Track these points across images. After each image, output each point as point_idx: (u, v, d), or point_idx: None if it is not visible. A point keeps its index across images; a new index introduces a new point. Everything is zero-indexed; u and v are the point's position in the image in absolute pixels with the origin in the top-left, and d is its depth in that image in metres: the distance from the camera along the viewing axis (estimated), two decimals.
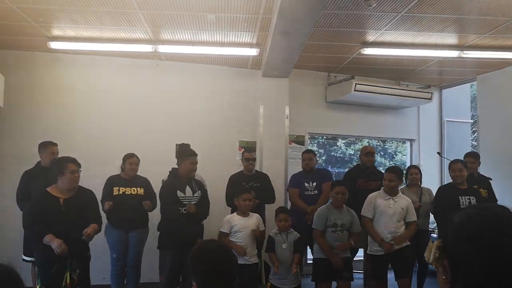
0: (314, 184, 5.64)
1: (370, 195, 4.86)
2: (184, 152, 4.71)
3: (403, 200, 4.77)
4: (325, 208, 4.67)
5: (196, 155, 4.68)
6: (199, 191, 4.64)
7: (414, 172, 5.67)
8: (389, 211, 4.67)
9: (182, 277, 4.55)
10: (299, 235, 4.57)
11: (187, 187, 4.55)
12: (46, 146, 4.95)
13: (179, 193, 4.50)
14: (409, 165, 6.86)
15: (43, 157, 4.94)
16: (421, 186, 5.69)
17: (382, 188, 4.86)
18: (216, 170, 6.09)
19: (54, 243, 3.65)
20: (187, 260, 4.12)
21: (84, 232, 3.79)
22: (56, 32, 5.48)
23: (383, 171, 5.55)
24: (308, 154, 5.86)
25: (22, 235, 4.85)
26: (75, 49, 5.93)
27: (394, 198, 4.72)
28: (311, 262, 5.42)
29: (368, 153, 5.91)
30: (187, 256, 4.06)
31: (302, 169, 5.89)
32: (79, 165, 3.93)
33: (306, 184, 5.67)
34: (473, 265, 1.03)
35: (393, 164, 12.99)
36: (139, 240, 5.03)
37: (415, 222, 4.79)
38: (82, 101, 6.26)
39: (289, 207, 5.79)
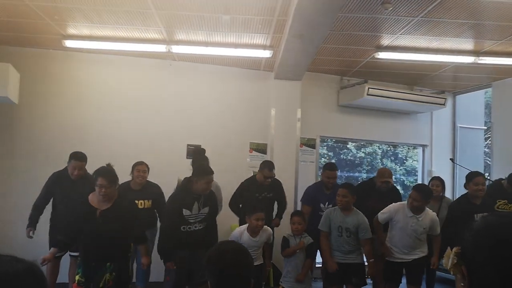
0: (330, 206, 5.26)
1: (394, 205, 4.67)
2: (202, 170, 4.32)
3: (427, 219, 4.53)
4: (331, 210, 4.66)
5: (212, 173, 4.32)
6: (206, 208, 4.30)
7: (436, 184, 5.48)
8: (408, 229, 4.51)
9: (189, 278, 4.52)
10: (312, 240, 4.52)
11: (195, 203, 4.24)
12: (70, 159, 4.77)
13: (185, 211, 4.19)
14: (421, 170, 6.80)
15: (68, 168, 4.81)
16: (443, 197, 5.51)
17: (406, 201, 4.63)
18: (226, 172, 6.05)
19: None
20: (195, 261, 4.15)
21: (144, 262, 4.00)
22: (71, 30, 5.52)
23: (401, 190, 5.32)
24: (332, 172, 5.40)
25: (40, 232, 4.88)
26: (89, 48, 5.96)
27: (417, 216, 4.50)
28: (320, 265, 5.40)
29: (385, 181, 5.29)
30: (196, 257, 4.09)
31: (321, 181, 5.59)
32: (110, 181, 3.75)
33: (321, 205, 5.40)
34: (491, 273, 1.01)
35: (403, 170, 12.92)
36: (148, 239, 5.02)
37: (439, 235, 4.65)
38: (95, 100, 6.29)
39: None
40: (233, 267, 1.80)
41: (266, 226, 4.46)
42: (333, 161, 11.39)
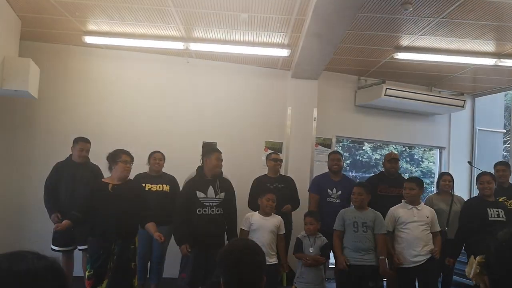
0: (339, 193, 5.42)
1: (391, 208, 4.74)
2: (210, 149, 4.66)
3: (426, 210, 4.70)
4: (344, 210, 4.68)
5: (220, 151, 4.59)
6: (223, 193, 4.44)
7: (447, 179, 5.53)
8: (415, 220, 4.58)
9: (204, 276, 4.54)
10: (326, 241, 4.51)
11: (210, 187, 4.37)
12: (77, 141, 5.00)
13: (199, 194, 4.31)
14: (438, 173, 6.73)
15: (73, 151, 5.01)
16: (453, 194, 5.54)
17: (403, 200, 4.76)
18: (241, 169, 6.09)
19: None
20: (211, 259, 4.17)
21: (158, 237, 4.04)
22: (91, 26, 5.58)
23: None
24: (336, 155, 5.69)
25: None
26: (108, 44, 6.02)
27: (417, 206, 4.64)
28: (333, 266, 5.37)
29: (392, 159, 5.63)
30: (211, 255, 4.11)
31: (327, 171, 5.72)
32: (132, 158, 4.12)
33: (329, 191, 5.48)
34: None
35: (419, 171, 12.79)
36: (163, 235, 5.04)
37: (439, 234, 4.68)
38: (112, 95, 6.36)
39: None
40: (243, 264, 1.79)
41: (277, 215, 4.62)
42: (348, 161, 11.42)
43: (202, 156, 4.65)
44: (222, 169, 5.04)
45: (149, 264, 5.14)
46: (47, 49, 6.16)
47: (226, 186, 4.52)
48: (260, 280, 1.82)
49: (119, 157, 4.02)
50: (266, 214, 4.55)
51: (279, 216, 4.67)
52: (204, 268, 4.34)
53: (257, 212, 4.62)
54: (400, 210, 4.67)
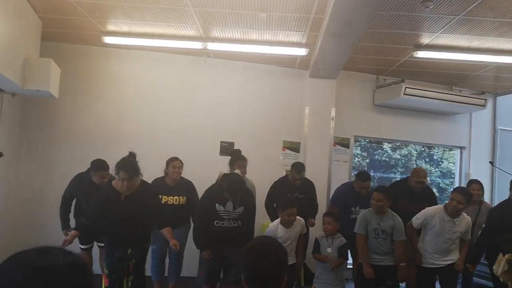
0: (362, 210, 5.14)
1: (430, 209, 4.57)
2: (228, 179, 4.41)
3: (463, 223, 4.46)
4: (367, 212, 4.56)
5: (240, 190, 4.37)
6: (241, 207, 4.36)
7: (476, 188, 5.24)
8: (444, 234, 4.44)
9: (222, 273, 4.56)
10: (345, 241, 4.48)
11: (229, 201, 4.32)
12: (96, 170, 4.81)
13: (218, 207, 4.29)
14: (458, 173, 6.62)
15: (93, 176, 4.86)
16: (482, 202, 5.32)
17: (444, 205, 4.54)
18: (259, 168, 6.09)
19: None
20: (228, 257, 4.18)
21: (175, 244, 3.98)
22: (111, 27, 5.63)
23: (436, 192, 5.25)
24: (365, 184, 5.29)
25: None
26: (127, 44, 6.07)
27: (454, 220, 4.43)
28: (351, 267, 5.33)
29: (419, 182, 5.22)
30: (230, 253, 4.12)
31: (352, 182, 5.54)
32: (131, 174, 3.87)
33: (352, 208, 5.37)
34: None
35: (438, 172, 12.60)
36: (181, 234, 5.06)
37: (468, 240, 4.57)
38: (131, 95, 6.42)
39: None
40: (265, 262, 1.79)
41: (298, 216, 4.48)
42: (367, 161, 11.26)
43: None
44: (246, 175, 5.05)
45: (167, 261, 5.16)
46: (67, 50, 6.24)
47: (246, 200, 4.42)
48: (281, 278, 1.82)
49: (118, 174, 3.88)
50: (287, 225, 4.41)
51: (301, 219, 4.54)
52: (222, 265, 4.36)
53: (279, 224, 4.45)
54: (436, 219, 4.45)
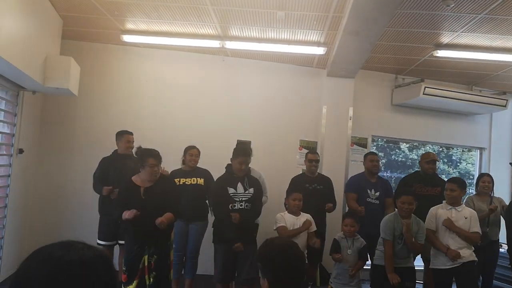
0: (377, 193, 5.42)
1: (432, 208, 4.63)
2: (236, 151, 4.62)
3: (466, 211, 4.57)
4: (392, 217, 4.47)
5: (247, 155, 4.54)
6: (252, 189, 4.50)
7: (487, 181, 5.40)
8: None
9: (237, 272, 4.56)
10: (365, 243, 4.45)
11: (239, 183, 4.46)
12: (122, 135, 5.15)
13: (230, 190, 4.42)
14: (477, 174, 6.52)
15: (119, 145, 5.14)
16: (493, 195, 5.40)
17: (443, 201, 4.67)
18: (275, 168, 6.10)
19: (127, 214, 3.82)
20: (241, 255, 4.19)
21: (157, 221, 3.86)
22: (129, 26, 5.68)
23: (444, 178, 5.41)
24: (374, 156, 5.65)
25: (97, 219, 5.09)
26: (145, 43, 6.12)
27: (456, 208, 4.52)
28: (369, 268, 5.28)
29: (430, 161, 5.51)
30: (243, 253, 4.14)
31: (363, 172, 5.66)
32: (159, 160, 4.03)
33: (368, 191, 5.44)
34: None
35: (456, 172, 12.44)
36: (199, 232, 5.10)
37: (477, 233, 4.50)
38: (149, 93, 6.46)
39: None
40: (288, 261, 1.81)
41: (307, 214, 4.59)
42: (383, 161, 11.21)
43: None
44: (255, 167, 5.10)
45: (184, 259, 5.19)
46: (87, 48, 6.31)
47: (255, 183, 4.60)
48: (303, 275, 1.85)
49: (146, 161, 3.97)
50: (294, 213, 4.51)
51: (308, 215, 4.59)
52: (235, 264, 4.37)
53: (286, 212, 4.57)
54: (439, 211, 4.56)
